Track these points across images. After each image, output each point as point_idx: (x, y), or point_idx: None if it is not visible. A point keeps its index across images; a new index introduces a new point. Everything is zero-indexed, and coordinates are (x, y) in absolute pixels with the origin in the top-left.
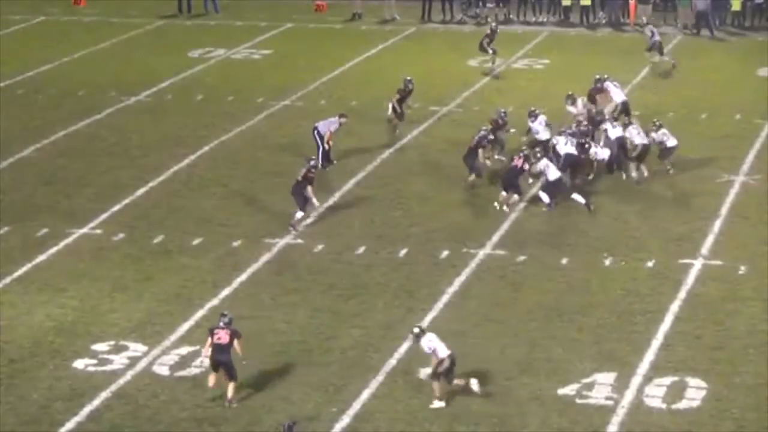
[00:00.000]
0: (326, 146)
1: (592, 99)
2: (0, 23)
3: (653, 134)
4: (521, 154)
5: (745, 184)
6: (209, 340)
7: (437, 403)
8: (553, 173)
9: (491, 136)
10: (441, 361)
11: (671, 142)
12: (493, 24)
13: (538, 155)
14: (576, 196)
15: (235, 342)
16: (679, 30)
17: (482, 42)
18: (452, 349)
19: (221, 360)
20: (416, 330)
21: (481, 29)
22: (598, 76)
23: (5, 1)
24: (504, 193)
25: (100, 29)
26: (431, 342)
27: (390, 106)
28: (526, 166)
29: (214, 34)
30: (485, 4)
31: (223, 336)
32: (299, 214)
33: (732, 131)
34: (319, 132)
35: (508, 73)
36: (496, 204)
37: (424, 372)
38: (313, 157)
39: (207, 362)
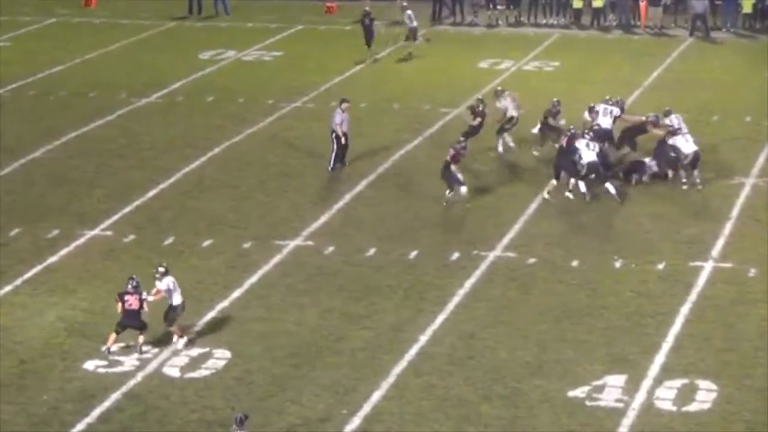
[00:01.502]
0: (342, 141)
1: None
2: (11, 25)
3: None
4: (567, 134)
5: (756, 186)
6: (119, 305)
7: (181, 342)
8: (588, 155)
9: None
10: (173, 308)
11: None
12: (367, 7)
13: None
14: (609, 186)
15: (144, 305)
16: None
17: (370, 32)
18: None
19: (132, 325)
20: (161, 269)
21: (492, 32)
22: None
23: (16, 3)
24: (554, 182)
25: (110, 31)
26: (171, 284)
27: (538, 128)
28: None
29: (224, 35)
30: (495, 6)
31: (133, 302)
32: (463, 189)
33: (743, 133)
34: (336, 134)
35: (519, 75)
36: (547, 195)
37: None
38: (462, 138)
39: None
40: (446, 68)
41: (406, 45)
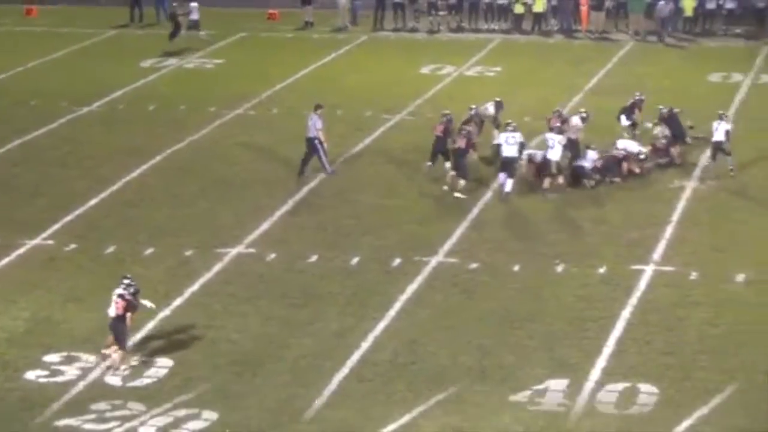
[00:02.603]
0: (325, 146)
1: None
2: None
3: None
4: (462, 133)
5: (697, 189)
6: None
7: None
8: (506, 150)
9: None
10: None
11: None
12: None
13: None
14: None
15: (128, 315)
16: (631, 36)
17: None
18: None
19: (113, 327)
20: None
21: (433, 37)
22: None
23: None
24: (452, 173)
25: (52, 39)
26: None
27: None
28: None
29: (165, 43)
30: (437, 12)
31: (119, 306)
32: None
33: None
34: (316, 139)
35: (461, 80)
36: (445, 186)
37: None
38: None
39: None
40: (388, 74)
41: (188, 36)
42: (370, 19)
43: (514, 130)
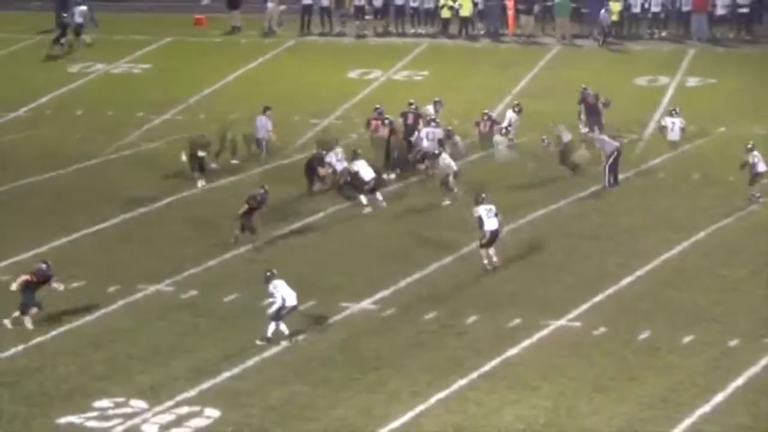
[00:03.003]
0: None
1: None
2: None
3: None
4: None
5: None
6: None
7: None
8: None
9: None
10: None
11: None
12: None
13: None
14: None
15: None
16: (557, 40)
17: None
18: None
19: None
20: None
21: (361, 42)
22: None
23: None
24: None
25: None
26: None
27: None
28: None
29: (93, 48)
30: (364, 17)
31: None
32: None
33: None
34: (264, 140)
35: (389, 85)
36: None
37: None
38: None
39: None
40: (316, 79)
41: (74, 40)
42: (296, 23)
43: (436, 126)
